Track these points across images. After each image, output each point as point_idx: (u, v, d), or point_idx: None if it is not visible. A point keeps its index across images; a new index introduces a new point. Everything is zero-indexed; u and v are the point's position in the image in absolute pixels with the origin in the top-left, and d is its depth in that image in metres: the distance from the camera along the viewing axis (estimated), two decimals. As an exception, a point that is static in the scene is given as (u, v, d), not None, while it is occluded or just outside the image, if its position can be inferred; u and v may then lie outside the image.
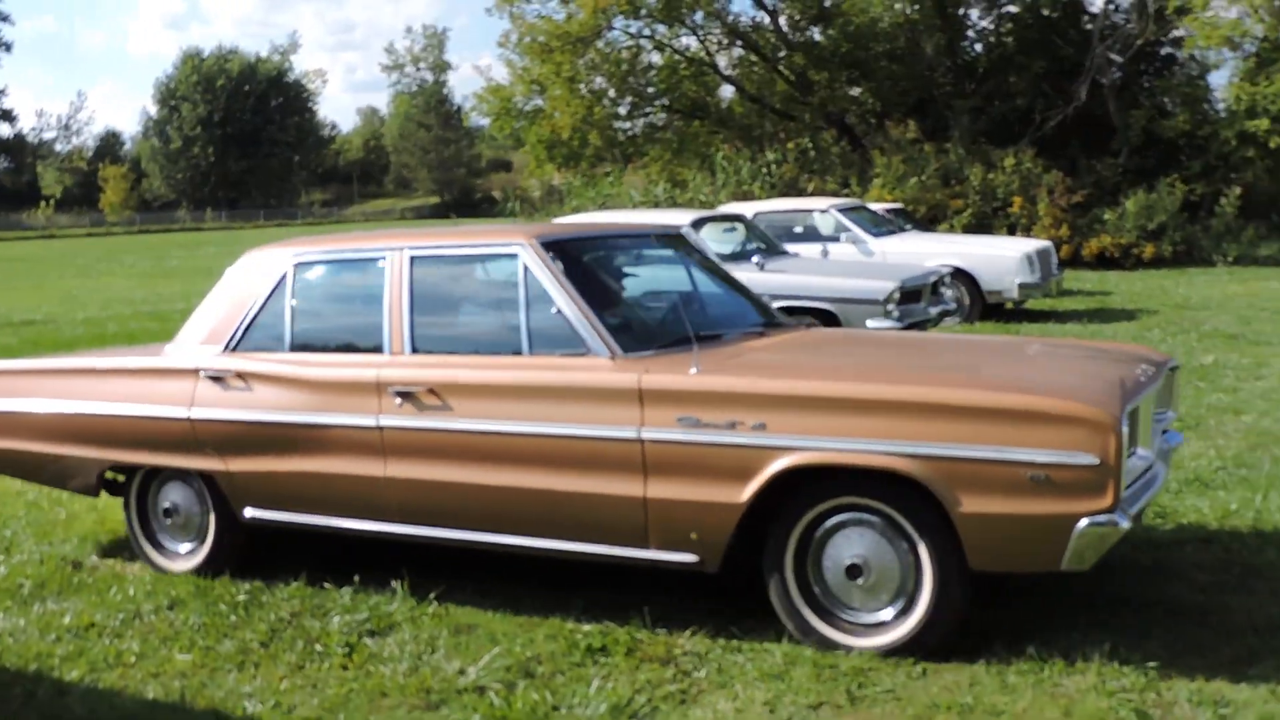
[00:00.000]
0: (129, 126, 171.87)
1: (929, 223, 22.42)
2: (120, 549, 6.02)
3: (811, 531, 4.39)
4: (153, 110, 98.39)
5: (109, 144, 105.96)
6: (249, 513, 5.39)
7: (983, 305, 14.47)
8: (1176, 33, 25.20)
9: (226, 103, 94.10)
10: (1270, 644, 4.24)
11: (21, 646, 4.72)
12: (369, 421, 5.00)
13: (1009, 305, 14.95)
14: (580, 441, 4.59)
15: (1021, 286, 14.30)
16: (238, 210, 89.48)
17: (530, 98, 31.90)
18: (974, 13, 29.52)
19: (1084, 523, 3.91)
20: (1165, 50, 26.87)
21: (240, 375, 5.34)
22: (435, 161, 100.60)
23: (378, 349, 5.14)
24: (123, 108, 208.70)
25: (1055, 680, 4.02)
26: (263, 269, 5.57)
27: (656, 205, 25.37)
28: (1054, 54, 26.26)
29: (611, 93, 30.99)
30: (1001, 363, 5.16)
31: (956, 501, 4.06)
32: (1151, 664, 4.06)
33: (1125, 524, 3.96)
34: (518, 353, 4.87)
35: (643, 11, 28.84)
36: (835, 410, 4.23)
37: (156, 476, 5.72)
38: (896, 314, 10.50)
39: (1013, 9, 28.98)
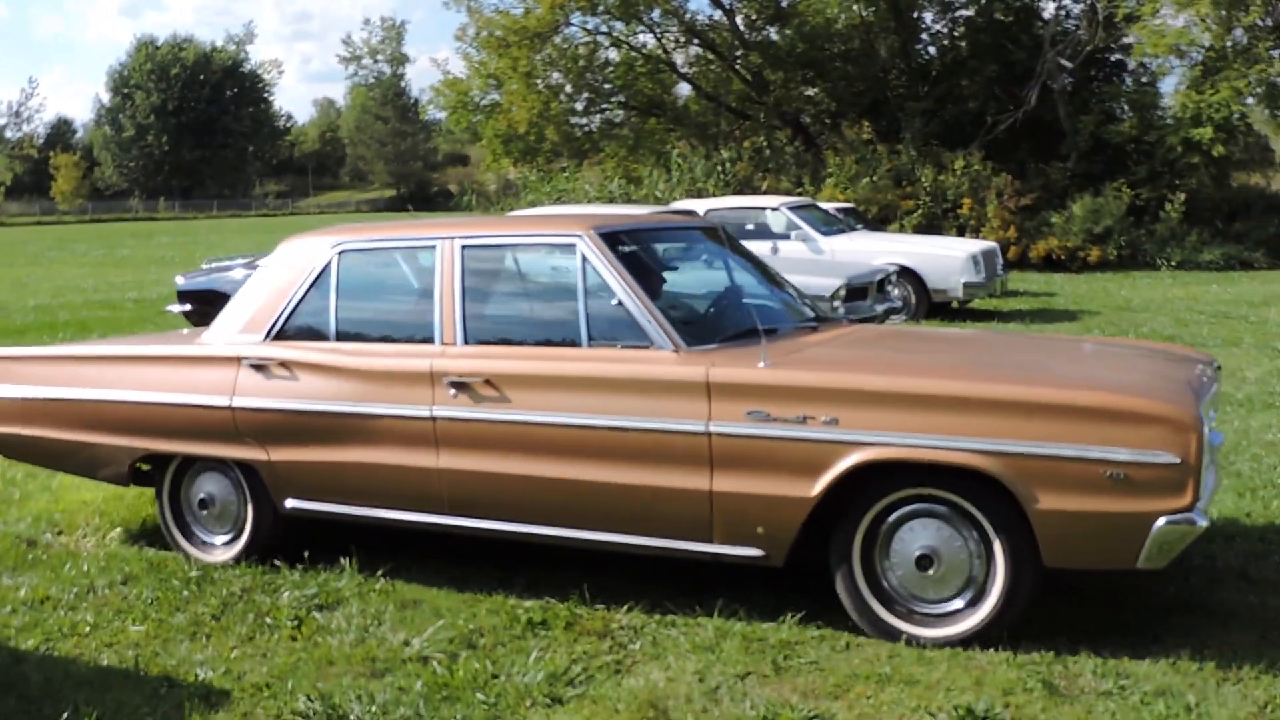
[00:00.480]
0: (81, 114, 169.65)
1: (880, 222, 22.74)
2: (74, 527, 6.14)
3: (879, 523, 4.41)
4: (106, 98, 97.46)
5: (60, 132, 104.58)
6: (290, 503, 5.32)
7: (929, 304, 14.75)
8: (1126, 40, 25.62)
9: (181, 92, 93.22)
10: (1170, 623, 4.49)
11: (-23, 618, 4.84)
12: (422, 412, 4.93)
13: (954, 304, 15.24)
14: (644, 434, 4.55)
15: (966, 286, 14.60)
16: (191, 200, 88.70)
17: (487, 92, 31.95)
18: (928, 16, 29.88)
19: (1162, 521, 3.94)
20: (1115, 57, 27.31)
21: (285, 364, 5.25)
22: (391, 154, 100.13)
23: (428, 339, 5.08)
24: (75, 95, 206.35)
25: (970, 654, 4.24)
26: (304, 257, 5.48)
27: (611, 201, 25.55)
28: (1006, 59, 26.62)
29: (568, 89, 31.10)
30: (1068, 361, 5.19)
31: (1034, 499, 4.08)
32: (1060, 640, 4.30)
33: (1203, 523, 3.98)
34: (575, 344, 4.82)
35: (600, 8, 28.96)
36: (913, 406, 4.22)
37: (191, 467, 5.64)
38: (842, 310, 10.74)
39: (966, 13, 29.35)
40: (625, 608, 4.77)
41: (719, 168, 25.70)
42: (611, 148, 31.34)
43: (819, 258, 14.38)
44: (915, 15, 29.15)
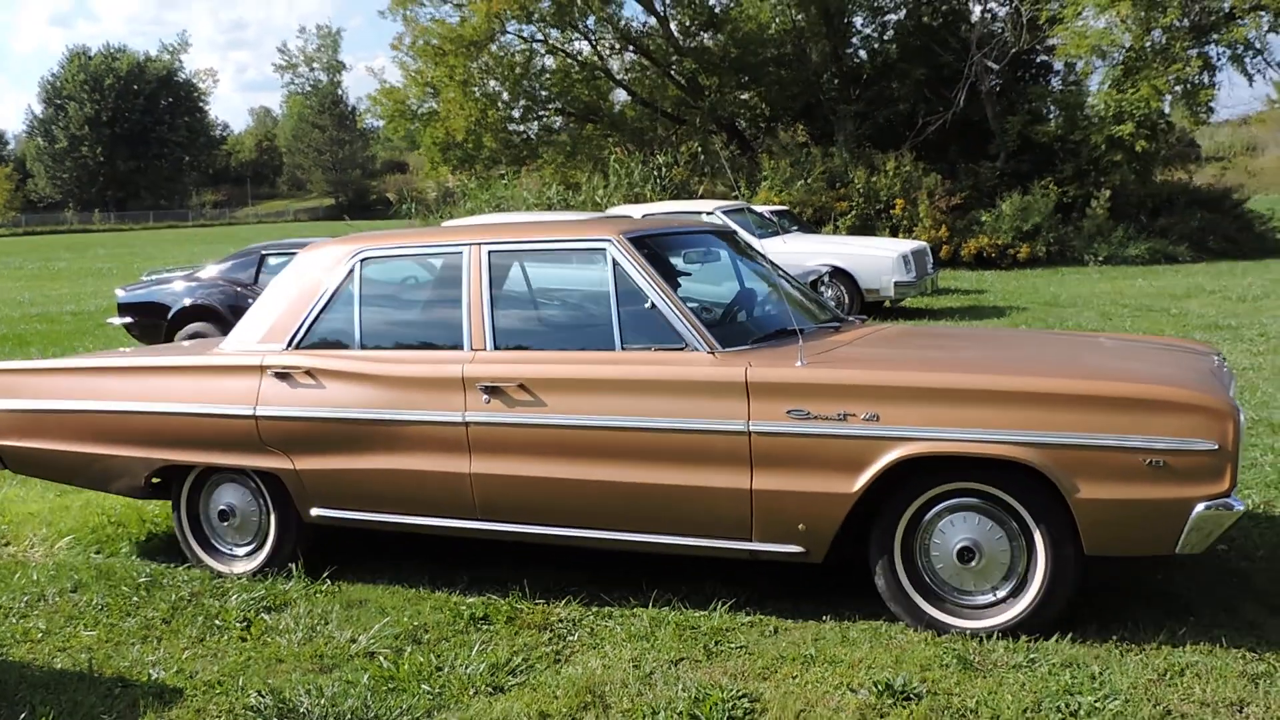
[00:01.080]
0: (13, 125, 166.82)
1: (815, 224, 23.11)
2: (20, 538, 6.23)
3: (919, 517, 4.49)
4: (38, 109, 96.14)
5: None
6: (315, 512, 5.31)
7: (862, 303, 15.05)
8: (1051, 41, 26.16)
9: (115, 102, 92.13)
10: (1080, 603, 4.74)
11: (-70, 627, 4.94)
12: (454, 418, 4.93)
13: (887, 303, 15.57)
14: (683, 435, 4.58)
15: (897, 285, 14.93)
16: (126, 211, 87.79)
17: (424, 100, 32.02)
18: (858, 20, 30.32)
19: (1201, 506, 4.03)
20: (1040, 58, 27.87)
21: (310, 372, 5.24)
22: (329, 162, 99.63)
23: (456, 345, 5.08)
24: (6, 106, 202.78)
25: (891, 635, 4.49)
26: (324, 266, 5.46)
27: (550, 207, 25.72)
28: (934, 61, 27.09)
29: (505, 96, 31.22)
30: (1095, 355, 5.28)
31: (1075, 488, 4.15)
32: (975, 619, 4.55)
33: (1240, 507, 4.09)
34: (608, 348, 4.83)
35: (535, 16, 29.14)
36: (953, 401, 4.29)
37: (209, 478, 5.62)
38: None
39: (895, 17, 29.84)
40: (564, 601, 4.96)
41: (656, 172, 25.95)
42: (549, 154, 31.49)
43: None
44: (846, 20, 29.57)
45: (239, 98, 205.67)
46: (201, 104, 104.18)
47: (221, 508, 5.58)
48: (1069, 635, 4.35)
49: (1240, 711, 3.76)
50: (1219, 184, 27.99)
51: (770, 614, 4.73)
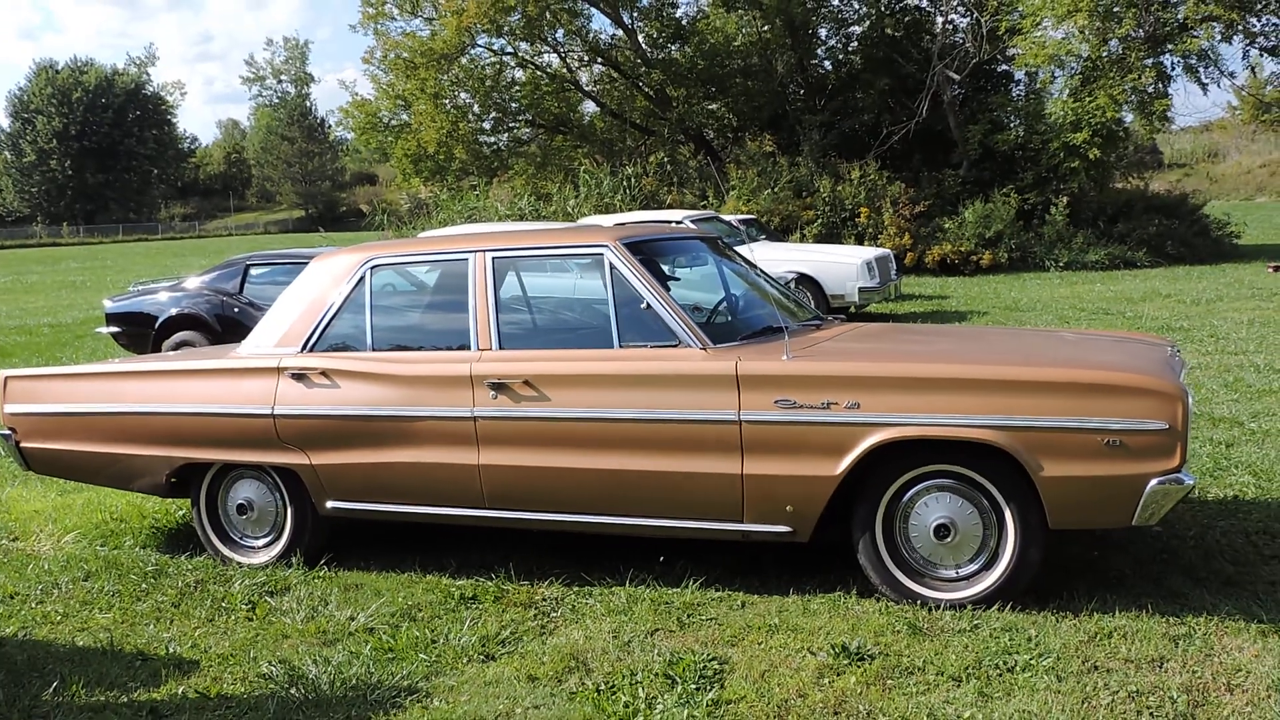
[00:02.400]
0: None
1: (782, 233, 23.55)
2: (28, 534, 6.56)
3: (899, 498, 4.84)
4: (5, 123, 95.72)
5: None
6: (330, 504, 5.60)
7: (827, 308, 15.47)
8: (1012, 51, 26.73)
9: (83, 115, 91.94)
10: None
11: (-45, 613, 5.29)
12: (463, 413, 5.24)
13: (851, 309, 15.98)
14: (678, 425, 4.91)
15: (861, 291, 15.35)
16: (95, 225, 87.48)
17: (396, 113, 32.31)
18: (823, 32, 30.83)
19: (1154, 482, 4.40)
20: (1001, 68, 28.45)
21: (325, 373, 5.54)
22: (299, 175, 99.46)
23: (464, 346, 5.39)
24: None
25: (848, 606, 4.89)
26: (336, 273, 5.78)
27: (522, 218, 26.07)
28: (897, 72, 27.59)
29: (476, 108, 31.55)
30: (1059, 346, 5.71)
31: (1039, 467, 4.51)
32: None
33: (1190, 481, 4.45)
34: (607, 345, 5.16)
35: (505, 30, 29.51)
36: (928, 389, 4.65)
37: (227, 474, 5.90)
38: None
39: (859, 29, 30.39)
40: (547, 582, 5.35)
41: (625, 183, 26.36)
42: (520, 165, 31.83)
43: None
44: (810, 32, 30.09)
45: (208, 110, 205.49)
46: (169, 117, 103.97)
47: (240, 502, 5.89)
48: (1010, 604, 4.74)
49: (1160, 667, 4.18)
50: (1176, 190, 28.62)
51: (738, 590, 5.13)
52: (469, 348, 5.40)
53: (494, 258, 5.50)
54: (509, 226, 16.58)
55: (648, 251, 5.50)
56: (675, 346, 5.05)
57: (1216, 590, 4.92)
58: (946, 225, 24.23)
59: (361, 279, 5.72)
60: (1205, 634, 4.45)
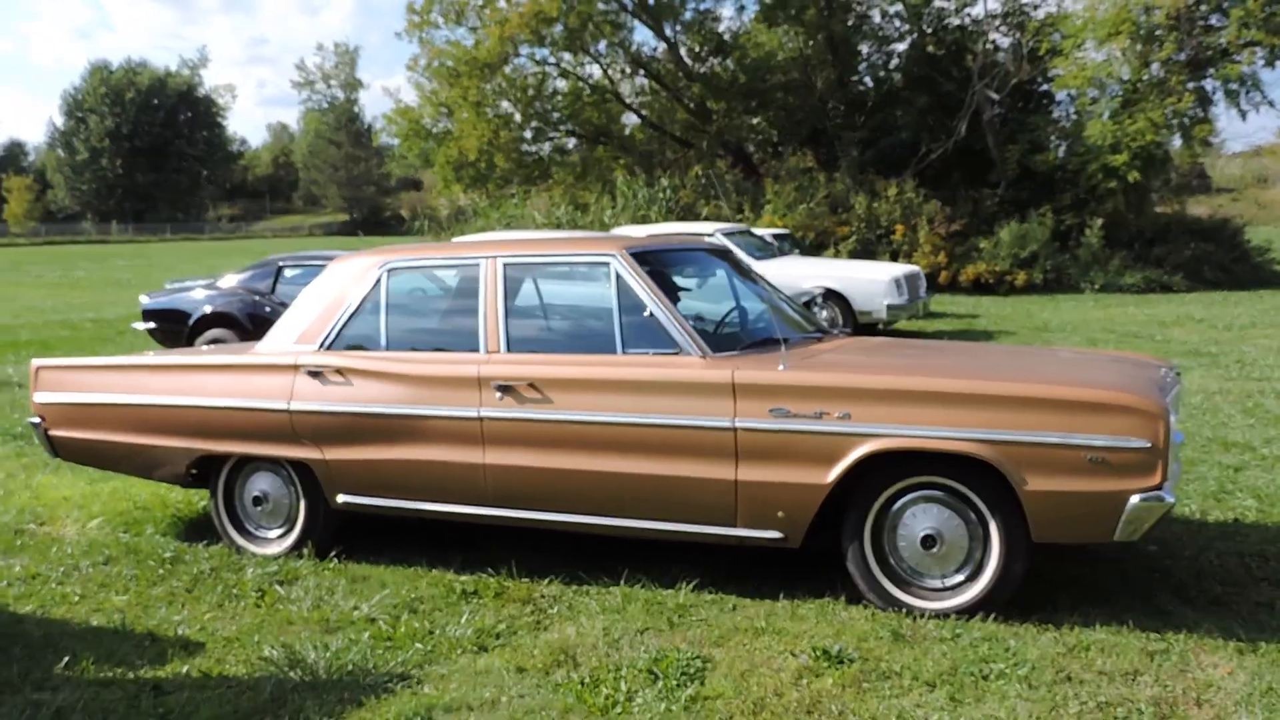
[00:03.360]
0: (34, 137, 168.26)
1: (817, 248, 23.67)
2: (55, 519, 6.79)
3: (887, 508, 4.96)
4: (59, 121, 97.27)
5: (13, 154, 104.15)
6: (342, 498, 5.79)
7: (855, 325, 15.56)
8: (1055, 72, 26.72)
9: (135, 115, 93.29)
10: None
11: (-22, 591, 5.52)
12: (470, 413, 5.41)
13: (880, 326, 16.06)
14: (676, 430, 5.05)
15: (890, 308, 15.41)
16: (143, 224, 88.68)
17: (438, 120, 32.63)
18: (864, 48, 30.87)
19: (1136, 498, 4.49)
20: (1042, 89, 28.41)
21: (340, 371, 5.72)
22: (344, 179, 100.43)
23: (473, 348, 5.55)
24: (28, 117, 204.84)
25: (835, 612, 5.02)
26: (354, 275, 5.97)
27: (559, 226, 26.31)
28: (937, 90, 27.62)
29: (518, 117, 31.82)
30: (1051, 363, 5.83)
31: (1023, 481, 4.62)
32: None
33: (1171, 499, 4.54)
34: (611, 351, 5.31)
35: (548, 40, 29.77)
36: (917, 402, 4.76)
37: (244, 467, 6.11)
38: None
39: (900, 46, 30.46)
40: (547, 580, 5.50)
41: (662, 194, 26.53)
42: (560, 175, 32.06)
43: (751, 280, 15.17)
44: (852, 48, 30.15)
45: (259, 113, 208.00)
46: (220, 119, 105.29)
47: (256, 494, 6.08)
48: (993, 615, 4.85)
49: (1133, 680, 4.27)
50: (1217, 215, 28.46)
51: (731, 593, 5.27)
52: (478, 350, 5.56)
53: (505, 264, 5.67)
54: (531, 235, 16.77)
55: (654, 262, 5.66)
56: (676, 354, 5.19)
57: (1202, 609, 5.01)
58: (982, 244, 24.25)
59: (378, 281, 5.90)
60: (1183, 650, 4.54)
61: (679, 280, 6.08)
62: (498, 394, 5.38)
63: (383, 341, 5.81)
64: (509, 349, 5.51)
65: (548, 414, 5.30)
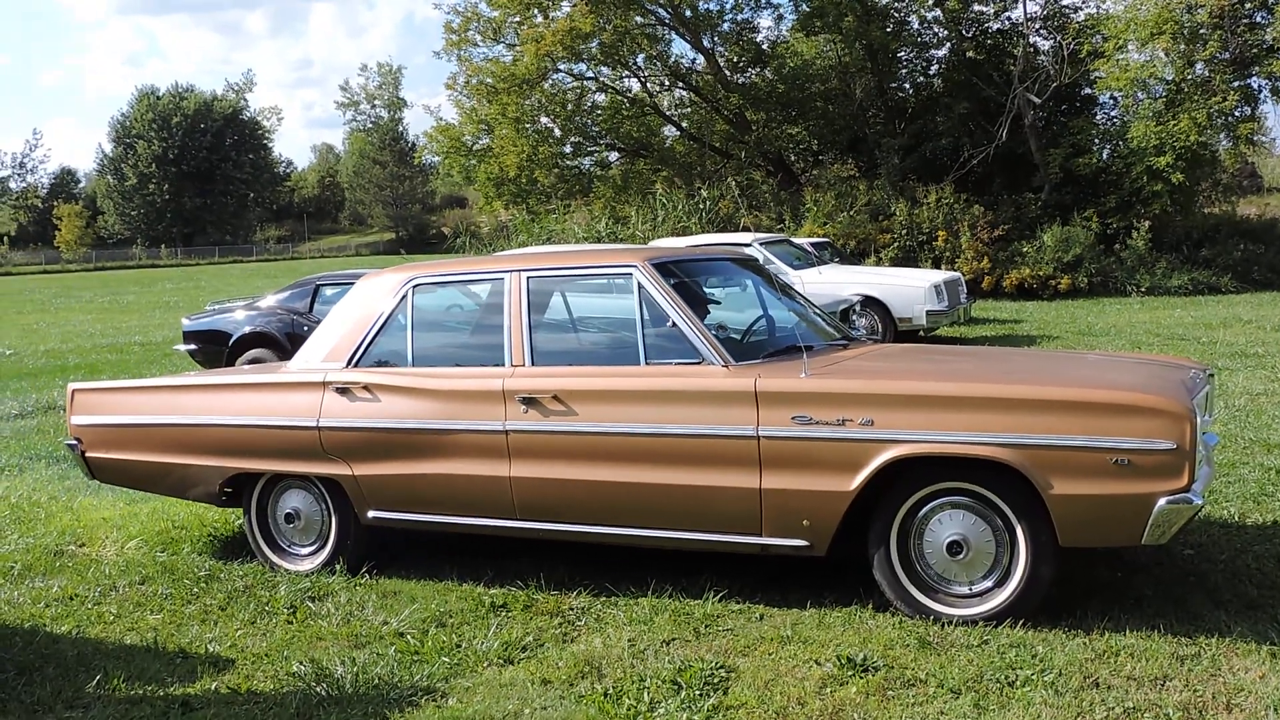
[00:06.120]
0: (84, 164, 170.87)
1: (859, 256, 23.59)
2: (94, 540, 6.89)
3: (913, 514, 4.93)
4: (108, 148, 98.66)
5: (64, 181, 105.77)
6: (372, 514, 5.82)
7: (895, 332, 15.50)
8: (1098, 74, 26.49)
9: (182, 140, 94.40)
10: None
11: (18, 610, 5.62)
12: (495, 427, 5.43)
13: (921, 332, 15.99)
14: (700, 440, 5.05)
15: (930, 314, 15.36)
16: (192, 247, 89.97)
17: (479, 137, 32.81)
18: (903, 55, 30.74)
19: (1163, 501, 4.44)
20: (1084, 91, 28.17)
21: (367, 387, 5.77)
22: (390, 198, 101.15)
23: (498, 362, 5.58)
24: (79, 145, 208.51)
25: (863, 620, 5.00)
26: (380, 292, 6.02)
27: (599, 240, 26.38)
28: (978, 95, 27.46)
29: (557, 132, 31.92)
30: (1076, 366, 5.80)
31: (1048, 485, 4.58)
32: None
33: (1199, 501, 4.49)
34: (634, 363, 5.34)
35: (585, 56, 29.88)
36: (940, 407, 4.74)
37: (276, 484, 6.16)
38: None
39: (939, 52, 30.30)
40: (575, 593, 5.52)
41: (701, 206, 26.54)
42: (600, 189, 32.15)
43: (788, 290, 15.16)
44: (890, 55, 30.04)
45: (306, 135, 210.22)
46: (266, 141, 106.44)
47: (288, 511, 6.14)
48: (1021, 621, 4.81)
49: (1162, 685, 4.22)
50: (1265, 215, 28.07)
51: (759, 602, 5.26)
52: (503, 364, 5.59)
53: (528, 277, 5.69)
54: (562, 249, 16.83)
55: (677, 272, 5.66)
56: (699, 364, 5.19)
57: (1236, 613, 4.94)
58: (1025, 249, 24.06)
59: (404, 297, 5.94)
60: (1214, 655, 4.48)
61: (703, 291, 6.07)
62: (522, 407, 5.40)
63: (409, 357, 5.84)
64: (533, 362, 5.53)
65: (572, 426, 5.31)
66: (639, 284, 5.39)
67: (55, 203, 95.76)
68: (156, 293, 40.59)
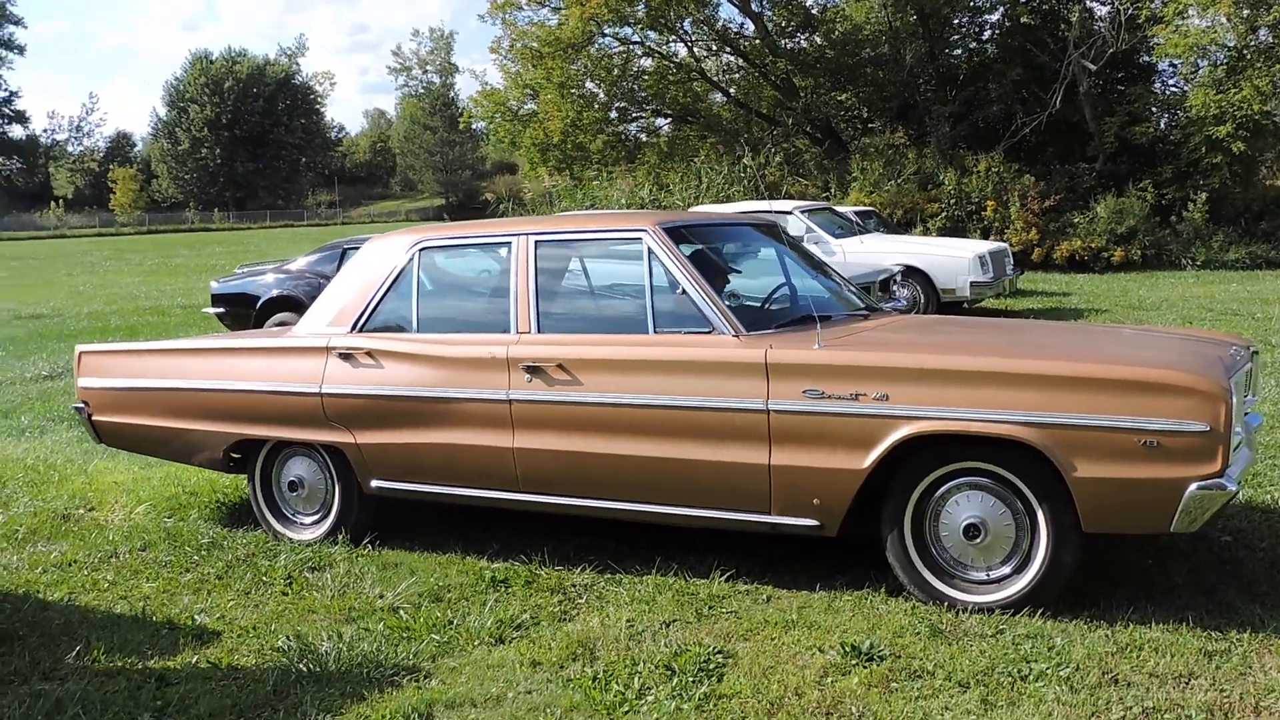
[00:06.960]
0: (140, 128, 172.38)
1: (906, 225, 23.17)
2: (104, 504, 6.80)
3: (929, 495, 4.70)
4: (162, 112, 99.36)
5: (120, 145, 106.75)
6: (374, 483, 5.69)
7: (938, 303, 15.16)
8: (1156, 40, 25.83)
9: (235, 104, 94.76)
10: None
11: (14, 576, 5.52)
12: (499, 395, 5.26)
13: (965, 304, 15.64)
14: (707, 413, 4.84)
15: (974, 285, 14.99)
16: (244, 211, 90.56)
17: (524, 102, 32.60)
18: (955, 20, 30.13)
19: (1194, 486, 4.16)
20: (1141, 58, 27.48)
21: (370, 353, 5.63)
22: (440, 164, 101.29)
23: (504, 329, 5.40)
24: (134, 109, 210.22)
25: (874, 605, 4.78)
26: (386, 256, 5.86)
27: (642, 207, 26.12)
28: (1031, 62, 26.88)
29: (602, 96, 31.64)
30: (1107, 341, 5.51)
31: (1072, 467, 4.32)
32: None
33: (1233, 487, 4.20)
34: (642, 331, 5.12)
35: (630, 19, 29.53)
36: (957, 382, 4.49)
37: (280, 451, 6.05)
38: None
39: (992, 18, 29.67)
40: (579, 569, 5.34)
41: (744, 173, 26.19)
42: (646, 155, 31.84)
43: (829, 259, 14.87)
44: (942, 20, 29.46)
45: (361, 100, 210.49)
46: (318, 106, 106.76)
47: (291, 479, 6.02)
48: (1041, 610, 4.56)
49: (1186, 683, 3.97)
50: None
51: (767, 583, 5.06)
52: (509, 331, 5.40)
53: (536, 241, 5.50)
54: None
55: (691, 237, 5.43)
56: (708, 333, 4.98)
57: (1272, 606, 4.66)
58: (1077, 220, 23.53)
59: (410, 260, 5.77)
60: (1244, 651, 4.21)
61: (722, 258, 5.81)
62: (526, 376, 5.22)
63: (414, 322, 5.68)
64: (539, 329, 5.34)
65: (576, 396, 5.13)
66: (649, 249, 5.17)
67: (111, 166, 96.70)
68: (206, 255, 40.86)
